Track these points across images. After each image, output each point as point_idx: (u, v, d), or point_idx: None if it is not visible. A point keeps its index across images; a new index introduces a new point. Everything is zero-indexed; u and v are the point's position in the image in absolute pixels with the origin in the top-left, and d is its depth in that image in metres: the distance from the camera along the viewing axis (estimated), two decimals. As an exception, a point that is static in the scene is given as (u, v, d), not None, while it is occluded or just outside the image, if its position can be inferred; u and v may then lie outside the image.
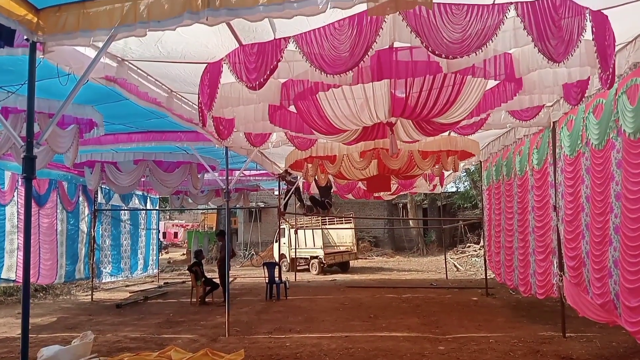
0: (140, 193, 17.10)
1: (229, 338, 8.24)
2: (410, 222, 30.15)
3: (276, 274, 13.09)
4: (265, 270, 12.96)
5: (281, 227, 19.53)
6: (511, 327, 8.59)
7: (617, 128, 5.65)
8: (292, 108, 6.06)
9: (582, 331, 7.87)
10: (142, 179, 12.47)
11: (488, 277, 12.92)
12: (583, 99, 5.80)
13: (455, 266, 21.12)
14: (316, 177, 11.20)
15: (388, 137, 6.28)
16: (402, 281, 16.89)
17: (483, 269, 19.77)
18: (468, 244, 26.38)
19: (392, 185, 12.45)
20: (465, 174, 24.97)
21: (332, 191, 13.90)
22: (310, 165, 10.25)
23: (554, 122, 7.79)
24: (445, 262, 18.64)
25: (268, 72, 4.19)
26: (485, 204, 13.02)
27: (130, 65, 5.24)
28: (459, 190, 29.24)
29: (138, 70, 5.43)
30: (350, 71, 4.07)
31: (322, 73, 4.01)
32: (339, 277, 18.86)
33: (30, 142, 3.63)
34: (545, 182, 8.40)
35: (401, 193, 17.65)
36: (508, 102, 5.71)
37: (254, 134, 7.15)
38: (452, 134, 9.00)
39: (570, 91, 5.75)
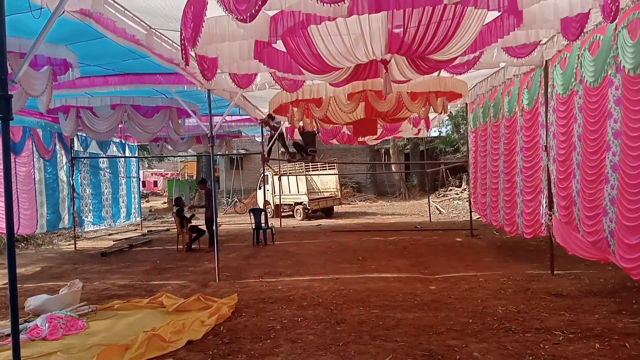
0: (117, 140, 16.64)
1: (219, 283, 8.21)
2: (393, 167, 30.24)
3: (262, 220, 13.03)
4: (252, 217, 12.88)
5: (265, 173, 19.36)
6: (499, 267, 8.73)
7: (615, 64, 5.50)
8: (280, 46, 5.77)
9: (569, 269, 8.03)
10: (120, 125, 12.07)
11: (473, 219, 13.05)
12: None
13: (437, 209, 21.40)
14: (302, 122, 10.95)
15: (381, 76, 6.04)
16: (386, 224, 17.05)
17: (465, 211, 20.15)
18: (450, 188, 26.67)
19: (377, 129, 12.26)
20: (447, 117, 24.86)
21: (316, 137, 13.68)
22: (296, 109, 9.97)
23: (546, 61, 7.63)
24: (429, 205, 18.81)
25: (260, 3, 3.88)
26: (471, 147, 12.97)
27: (106, -2, 4.84)
28: (441, 134, 29.25)
29: (115, 4, 5.04)
30: (346, 0, 3.79)
31: (317, 1, 3.72)
32: (324, 222, 18.96)
33: (4, 79, 3.33)
34: (535, 122, 8.31)
35: (386, 138, 17.53)
36: (504, 37, 5.50)
37: (239, 74, 6.83)
38: (443, 73, 8.81)
39: (569, 26, 5.55)
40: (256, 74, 7.18)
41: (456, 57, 5.74)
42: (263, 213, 13.31)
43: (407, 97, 9.17)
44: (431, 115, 12.60)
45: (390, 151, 29.94)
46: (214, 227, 9.42)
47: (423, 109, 9.88)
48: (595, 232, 5.92)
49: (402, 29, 4.82)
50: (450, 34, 4.83)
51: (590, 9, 5.16)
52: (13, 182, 11.87)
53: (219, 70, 6.27)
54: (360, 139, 14.80)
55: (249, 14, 3.93)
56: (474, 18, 4.83)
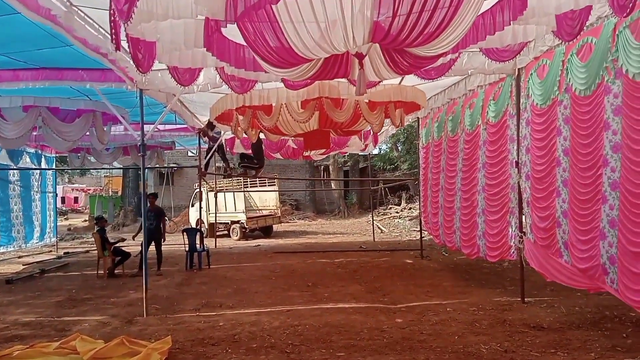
0: (32, 151, 14.76)
1: (148, 319, 6.88)
2: (332, 184, 29.56)
3: (197, 241, 11.73)
4: (185, 237, 11.55)
5: (199, 189, 17.96)
6: (461, 293, 8.02)
7: (614, 70, 4.92)
8: (234, 37, 4.76)
9: (537, 295, 7.46)
10: (35, 133, 10.47)
11: (423, 239, 12.43)
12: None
13: (379, 228, 20.81)
14: (245, 132, 9.90)
15: (351, 75, 5.17)
16: (330, 244, 16.16)
17: (407, 230, 19.70)
18: (390, 206, 26.31)
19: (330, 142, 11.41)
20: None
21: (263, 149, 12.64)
22: (241, 117, 8.93)
23: (519, 69, 7.08)
24: (373, 224, 18.17)
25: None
26: (422, 163, 12.39)
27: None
28: (381, 152, 28.97)
29: (20, -37, 3.86)
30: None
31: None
32: (263, 242, 17.81)
33: None
34: (502, 136, 7.74)
35: (332, 153, 16.78)
36: (496, 33, 4.81)
37: (181, 68, 5.73)
38: (405, 82, 8.16)
39: (563, 24, 4.95)
40: (200, 70, 6.09)
41: (440, 55, 4.97)
42: (198, 233, 12.00)
43: (366, 106, 8.41)
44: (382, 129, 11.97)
45: (330, 168, 29.27)
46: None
47: (377, 123, 9.14)
48: (589, 258, 5.26)
49: (388, 17, 3.97)
50: (445, 23, 4.03)
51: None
52: None
53: (156, 61, 5.16)
54: (306, 154, 13.91)
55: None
56: (471, 5, 4.06)
